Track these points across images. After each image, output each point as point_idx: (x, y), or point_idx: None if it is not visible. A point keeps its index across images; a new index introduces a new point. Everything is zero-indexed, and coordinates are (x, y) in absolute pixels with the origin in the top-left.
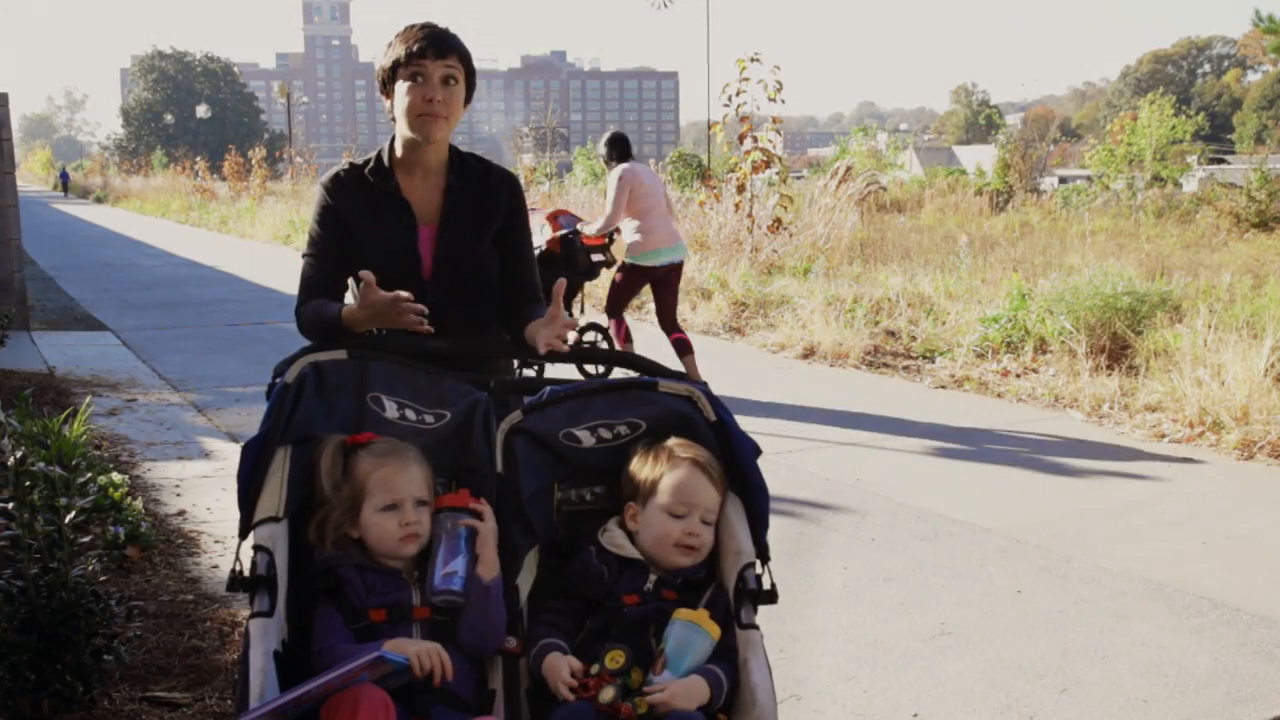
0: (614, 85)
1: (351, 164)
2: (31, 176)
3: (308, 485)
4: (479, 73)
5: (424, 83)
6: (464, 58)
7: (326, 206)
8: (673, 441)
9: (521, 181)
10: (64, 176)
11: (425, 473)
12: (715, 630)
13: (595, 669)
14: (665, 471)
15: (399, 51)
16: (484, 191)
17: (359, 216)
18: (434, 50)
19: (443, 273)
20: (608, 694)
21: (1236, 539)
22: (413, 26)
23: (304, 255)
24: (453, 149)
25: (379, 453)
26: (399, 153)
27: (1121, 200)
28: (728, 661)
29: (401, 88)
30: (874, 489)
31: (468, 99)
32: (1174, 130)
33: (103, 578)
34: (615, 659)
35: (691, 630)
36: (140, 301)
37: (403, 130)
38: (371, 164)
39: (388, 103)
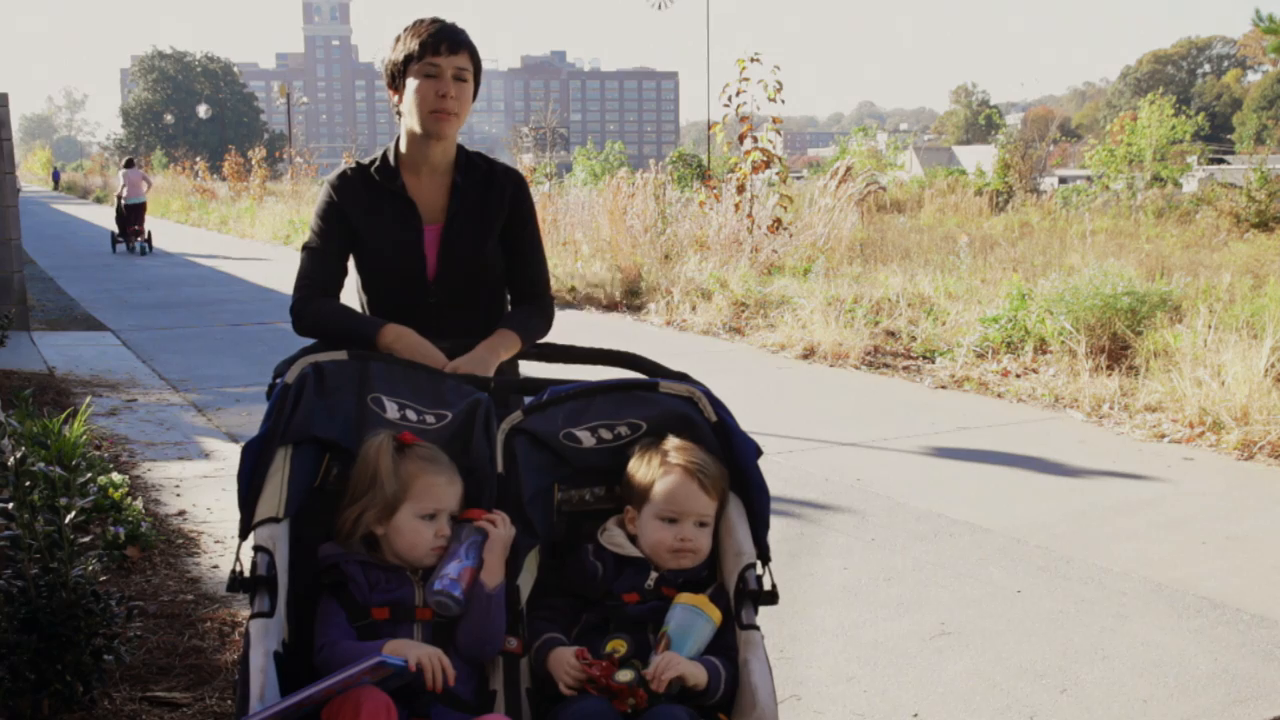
0: (614, 85)
1: (358, 163)
2: (31, 177)
3: (312, 483)
4: None
5: (437, 78)
6: (474, 55)
7: (331, 202)
8: (669, 444)
9: None
10: (55, 175)
11: (461, 488)
12: (716, 614)
13: (605, 653)
14: (657, 477)
15: (411, 46)
16: (489, 191)
17: (364, 215)
18: (448, 46)
19: (446, 273)
20: (625, 674)
21: (1236, 539)
22: (423, 21)
23: (303, 249)
24: (460, 148)
25: (427, 458)
26: (405, 151)
27: (1121, 200)
28: (728, 659)
29: (413, 83)
30: (874, 489)
31: (474, 96)
32: (1174, 130)
33: (103, 578)
34: (617, 648)
35: (693, 613)
36: (140, 301)
37: (412, 126)
38: (378, 163)
39: (395, 98)
